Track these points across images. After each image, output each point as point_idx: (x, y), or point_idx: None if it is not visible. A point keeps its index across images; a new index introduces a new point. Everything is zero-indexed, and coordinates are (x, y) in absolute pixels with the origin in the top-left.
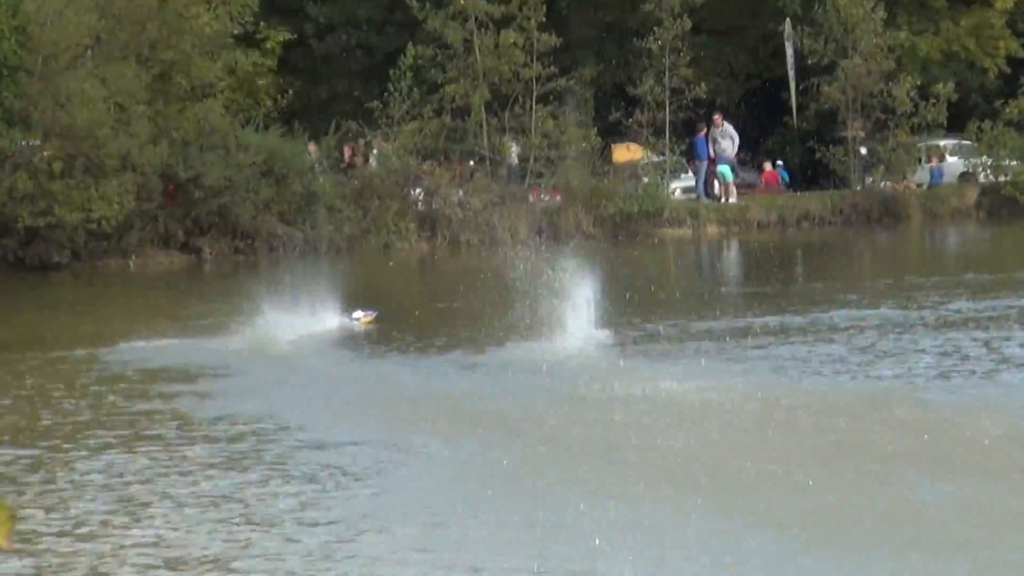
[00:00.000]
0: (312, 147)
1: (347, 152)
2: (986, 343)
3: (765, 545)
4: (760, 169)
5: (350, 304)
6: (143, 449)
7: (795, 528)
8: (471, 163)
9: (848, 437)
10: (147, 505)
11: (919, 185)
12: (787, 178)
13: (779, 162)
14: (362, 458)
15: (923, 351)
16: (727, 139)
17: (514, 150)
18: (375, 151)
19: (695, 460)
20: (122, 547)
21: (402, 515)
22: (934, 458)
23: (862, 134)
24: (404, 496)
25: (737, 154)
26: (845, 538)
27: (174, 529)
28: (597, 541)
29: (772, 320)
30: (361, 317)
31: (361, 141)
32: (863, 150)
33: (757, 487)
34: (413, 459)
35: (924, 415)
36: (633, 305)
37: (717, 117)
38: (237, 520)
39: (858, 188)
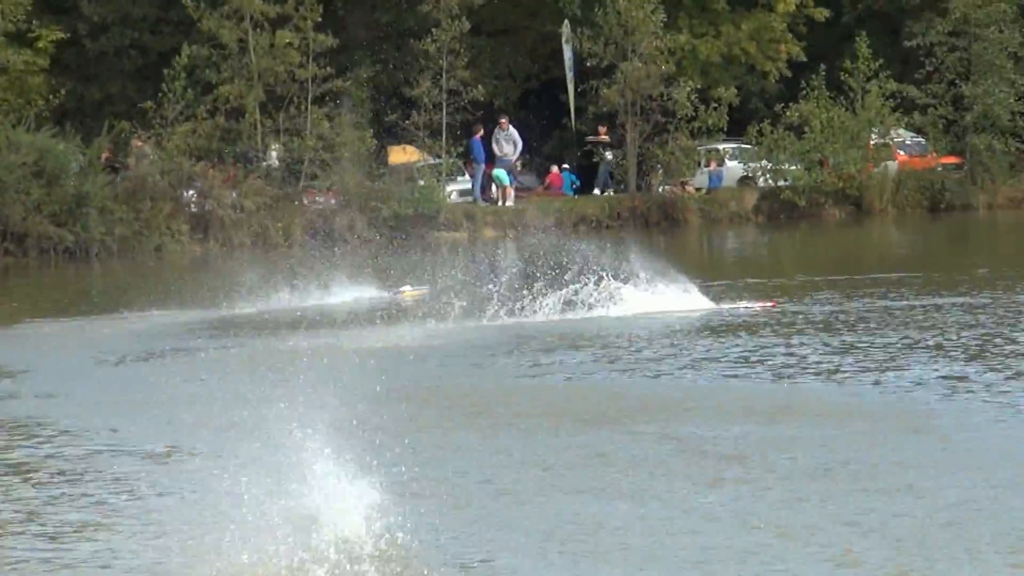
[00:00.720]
0: (61, 147)
1: (105, 153)
2: (764, 347)
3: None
4: (541, 172)
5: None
6: None
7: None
8: (244, 164)
9: (611, 445)
10: None
11: (698, 189)
12: (576, 181)
13: (565, 166)
14: (121, 461)
15: (695, 355)
16: (510, 143)
17: (274, 152)
18: (134, 151)
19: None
20: None
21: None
22: (699, 468)
23: (606, 139)
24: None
25: (517, 159)
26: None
27: None
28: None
29: (545, 326)
30: (406, 291)
31: (137, 143)
32: (608, 155)
33: (513, 496)
34: (172, 465)
35: (685, 424)
36: (413, 308)
37: (504, 121)
38: None
39: (598, 192)
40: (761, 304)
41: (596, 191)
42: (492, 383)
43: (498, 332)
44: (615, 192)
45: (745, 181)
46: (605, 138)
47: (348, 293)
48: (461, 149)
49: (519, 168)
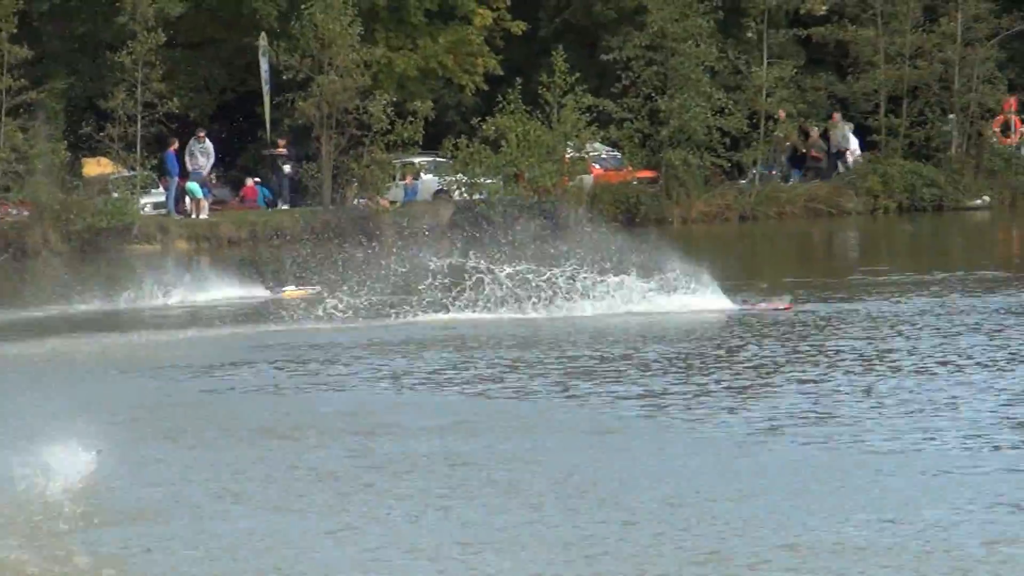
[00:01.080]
0: None
1: None
2: (460, 362)
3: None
4: (236, 184)
5: None
6: None
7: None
8: None
9: (298, 460)
10: None
11: (393, 203)
12: (269, 194)
13: (258, 179)
14: None
15: (390, 369)
16: (205, 155)
17: None
18: None
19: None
20: None
21: None
22: (387, 482)
23: (285, 152)
24: None
25: (210, 172)
26: None
27: None
28: None
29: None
30: (288, 291)
31: None
32: (287, 168)
33: (194, 511)
34: None
35: (374, 438)
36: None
37: (201, 133)
38: None
39: (283, 205)
40: (775, 306)
41: (282, 205)
42: (182, 396)
43: (214, 343)
44: (308, 205)
45: (440, 195)
46: (283, 151)
47: (220, 291)
48: (156, 162)
49: (213, 181)
